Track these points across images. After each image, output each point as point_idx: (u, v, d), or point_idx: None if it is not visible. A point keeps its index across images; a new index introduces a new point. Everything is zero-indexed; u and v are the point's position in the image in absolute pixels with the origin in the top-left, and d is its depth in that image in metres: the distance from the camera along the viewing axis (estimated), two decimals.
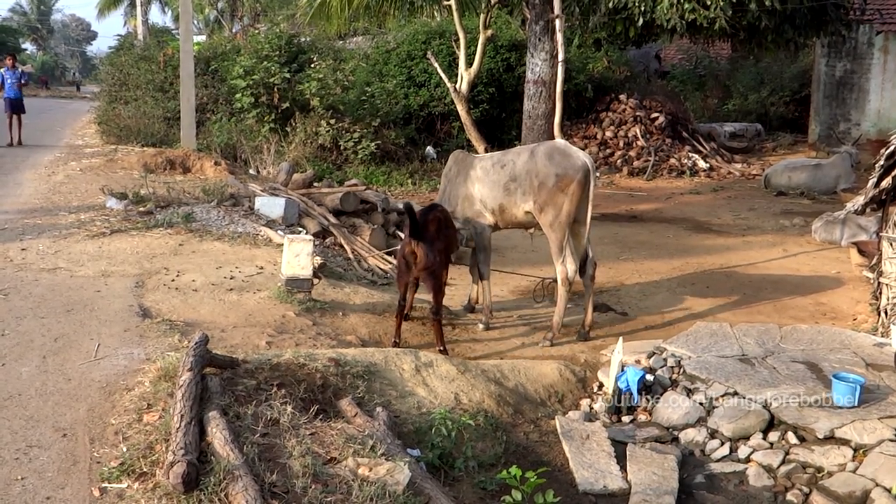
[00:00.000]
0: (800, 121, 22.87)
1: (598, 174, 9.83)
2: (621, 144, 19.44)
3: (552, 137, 9.29)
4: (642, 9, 11.89)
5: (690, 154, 19.28)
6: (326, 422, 4.32)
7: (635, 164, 18.75)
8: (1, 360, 5.17)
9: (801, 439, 4.98)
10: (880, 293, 7.24)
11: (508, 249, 10.46)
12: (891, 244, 7.13)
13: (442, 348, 6.58)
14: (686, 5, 11.58)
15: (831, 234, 11.25)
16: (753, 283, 9.23)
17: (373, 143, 16.56)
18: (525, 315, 8.03)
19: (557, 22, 9.47)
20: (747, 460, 4.96)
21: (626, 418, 5.65)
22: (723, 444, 5.14)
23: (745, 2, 11.69)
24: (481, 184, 7.42)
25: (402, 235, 10.12)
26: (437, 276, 6.72)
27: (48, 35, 68.50)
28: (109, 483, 3.73)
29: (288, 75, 16.71)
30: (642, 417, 5.65)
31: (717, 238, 12.00)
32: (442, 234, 6.90)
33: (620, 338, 6.04)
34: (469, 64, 13.44)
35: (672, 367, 6.05)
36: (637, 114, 19.85)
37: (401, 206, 11.11)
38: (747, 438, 5.12)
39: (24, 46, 62.00)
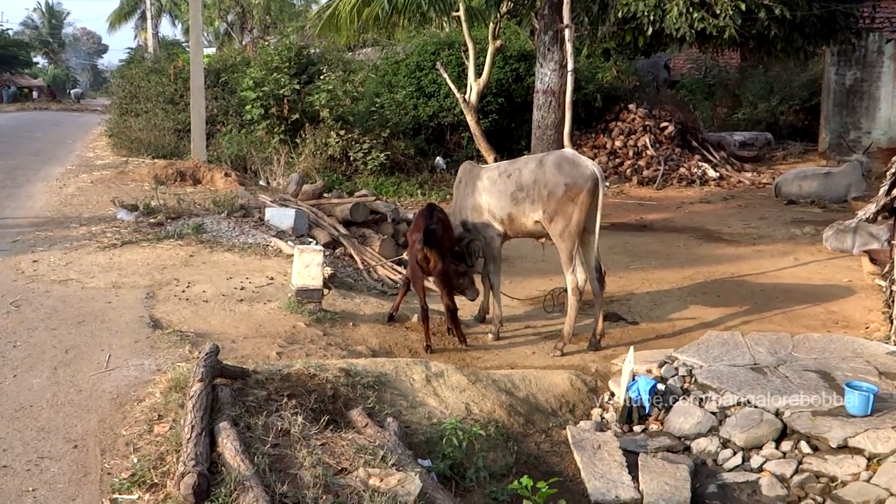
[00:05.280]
0: (810, 129, 22.78)
1: (607, 184, 9.79)
2: (631, 154, 19.39)
3: (562, 147, 9.28)
4: (651, 18, 11.90)
5: (700, 163, 19.21)
6: (337, 432, 4.31)
7: (645, 173, 18.70)
8: (13, 371, 5.20)
9: (815, 448, 4.95)
10: (893, 301, 7.19)
11: (518, 259, 10.44)
12: None
13: (462, 339, 7.12)
14: (695, 14, 11.58)
15: (842, 243, 11.16)
16: (765, 292, 9.18)
17: (382, 154, 16.58)
18: (535, 325, 8.02)
19: (566, 32, 9.49)
20: (760, 470, 4.92)
21: (637, 428, 5.62)
22: (735, 453, 5.10)
23: (754, 11, 11.68)
24: (488, 194, 7.43)
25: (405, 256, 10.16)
26: (450, 277, 6.90)
27: (59, 49, 68.95)
28: (120, 494, 3.74)
29: (298, 87, 16.75)
30: (654, 427, 5.62)
31: (727, 247, 11.94)
32: (447, 235, 7.02)
33: (631, 347, 6.01)
34: (478, 74, 13.48)
35: (683, 376, 6.02)
36: (646, 123, 19.80)
37: (410, 216, 11.13)
38: (760, 448, 5.08)
39: (35, 60, 62.53)
